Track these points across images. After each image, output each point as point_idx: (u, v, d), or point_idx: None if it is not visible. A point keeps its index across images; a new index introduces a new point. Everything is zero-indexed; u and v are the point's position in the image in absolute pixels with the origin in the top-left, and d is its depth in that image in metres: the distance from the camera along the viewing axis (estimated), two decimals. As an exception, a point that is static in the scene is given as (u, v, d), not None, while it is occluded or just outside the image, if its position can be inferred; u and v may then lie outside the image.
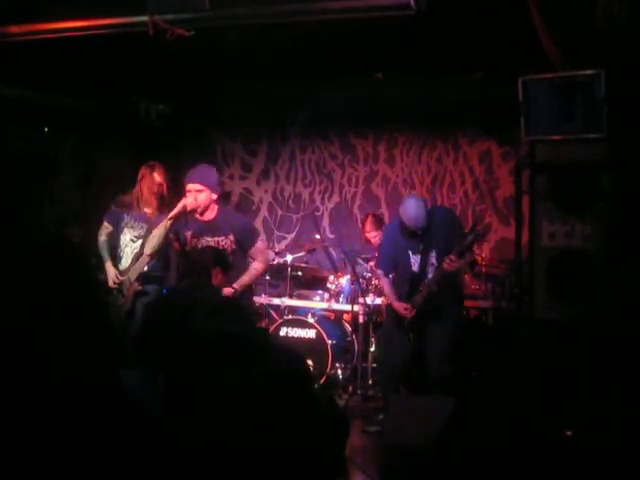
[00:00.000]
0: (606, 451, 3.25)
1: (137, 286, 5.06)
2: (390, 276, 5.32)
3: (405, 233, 5.10)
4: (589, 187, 4.09)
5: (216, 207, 4.66)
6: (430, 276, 5.00)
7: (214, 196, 4.61)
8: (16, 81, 5.86)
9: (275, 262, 6.89)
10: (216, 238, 4.58)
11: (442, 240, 4.95)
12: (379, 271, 5.47)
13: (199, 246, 4.58)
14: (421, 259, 5.03)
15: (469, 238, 4.83)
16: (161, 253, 4.86)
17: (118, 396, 1.91)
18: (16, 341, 1.87)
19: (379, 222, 6.48)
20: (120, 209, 5.28)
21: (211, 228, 4.59)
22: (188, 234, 4.60)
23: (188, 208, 4.51)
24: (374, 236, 6.38)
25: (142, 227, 5.15)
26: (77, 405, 1.76)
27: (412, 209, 4.96)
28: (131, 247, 5.16)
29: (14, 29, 4.64)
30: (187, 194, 4.55)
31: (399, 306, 5.07)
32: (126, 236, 5.18)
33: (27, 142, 6.39)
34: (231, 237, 4.59)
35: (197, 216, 4.60)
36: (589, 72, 3.91)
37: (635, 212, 3.96)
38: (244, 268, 4.68)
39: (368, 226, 6.48)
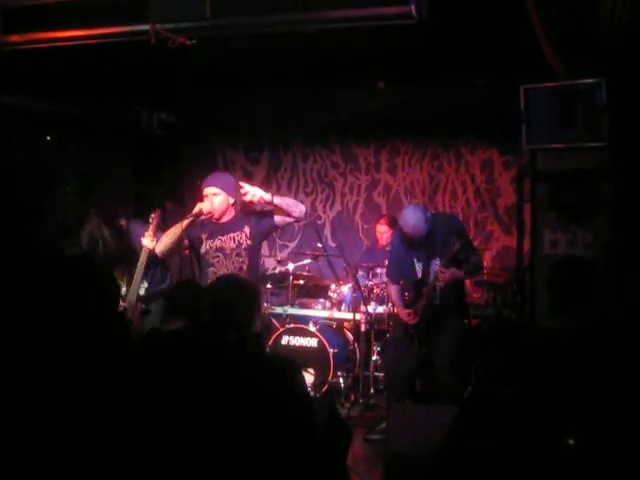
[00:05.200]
0: (608, 460, 3.23)
1: (140, 305, 5.05)
2: (399, 284, 5.34)
3: (409, 241, 5.10)
4: (591, 195, 4.09)
5: (234, 212, 4.62)
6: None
7: (231, 200, 4.57)
8: (18, 90, 5.88)
9: (277, 271, 6.92)
10: (231, 234, 4.51)
11: (443, 247, 4.93)
12: (387, 279, 5.53)
13: (213, 246, 4.51)
14: (424, 267, 5.04)
15: (456, 246, 4.79)
16: (172, 253, 4.77)
17: None
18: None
19: (394, 221, 6.56)
20: None
21: (225, 228, 4.54)
22: (203, 236, 4.56)
23: (204, 211, 4.47)
24: (385, 230, 6.60)
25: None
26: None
27: (411, 218, 4.91)
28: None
29: (16, 38, 4.65)
30: (204, 199, 4.53)
31: (403, 313, 5.13)
32: None
33: (29, 151, 6.40)
34: (246, 230, 4.52)
35: (214, 220, 4.55)
36: (590, 80, 3.90)
37: (637, 220, 3.95)
38: (257, 266, 4.67)
39: (384, 221, 6.77)
